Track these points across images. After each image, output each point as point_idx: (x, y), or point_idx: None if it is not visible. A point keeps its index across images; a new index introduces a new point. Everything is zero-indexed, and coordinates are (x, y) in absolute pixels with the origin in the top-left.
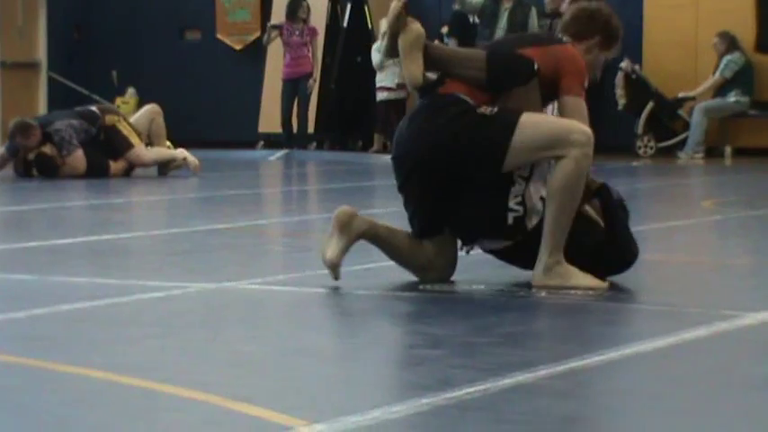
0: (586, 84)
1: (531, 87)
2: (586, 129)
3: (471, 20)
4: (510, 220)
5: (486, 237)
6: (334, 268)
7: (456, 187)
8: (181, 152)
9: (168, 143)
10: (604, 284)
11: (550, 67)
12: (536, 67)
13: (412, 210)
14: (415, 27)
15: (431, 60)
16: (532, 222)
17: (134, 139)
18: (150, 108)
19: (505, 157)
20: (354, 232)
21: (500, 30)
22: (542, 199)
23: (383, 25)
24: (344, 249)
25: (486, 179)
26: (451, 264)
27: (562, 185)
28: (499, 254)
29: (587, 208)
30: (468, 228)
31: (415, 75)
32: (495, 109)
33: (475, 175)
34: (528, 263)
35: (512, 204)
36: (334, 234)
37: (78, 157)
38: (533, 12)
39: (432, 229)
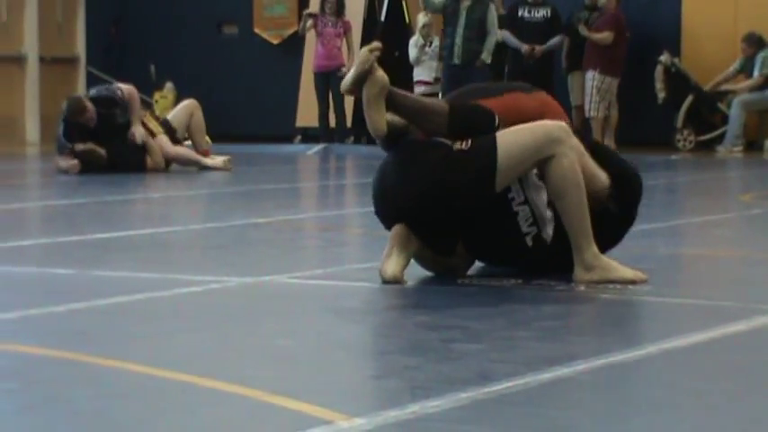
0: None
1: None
2: (559, 122)
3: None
4: (530, 243)
5: (511, 265)
6: (398, 284)
7: (456, 221)
8: (210, 161)
9: (207, 138)
10: (644, 276)
11: (537, 112)
12: (497, 122)
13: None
14: (380, 76)
15: (395, 106)
16: (549, 232)
17: (157, 129)
18: (188, 103)
19: (495, 180)
20: (412, 248)
21: (461, 27)
22: (549, 204)
23: (420, 20)
24: (405, 265)
25: (489, 216)
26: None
27: (565, 183)
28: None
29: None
30: (492, 261)
31: (378, 125)
32: (469, 141)
33: (471, 207)
34: (552, 266)
35: (525, 228)
36: (393, 252)
37: (131, 89)
38: (491, 7)
39: (451, 247)
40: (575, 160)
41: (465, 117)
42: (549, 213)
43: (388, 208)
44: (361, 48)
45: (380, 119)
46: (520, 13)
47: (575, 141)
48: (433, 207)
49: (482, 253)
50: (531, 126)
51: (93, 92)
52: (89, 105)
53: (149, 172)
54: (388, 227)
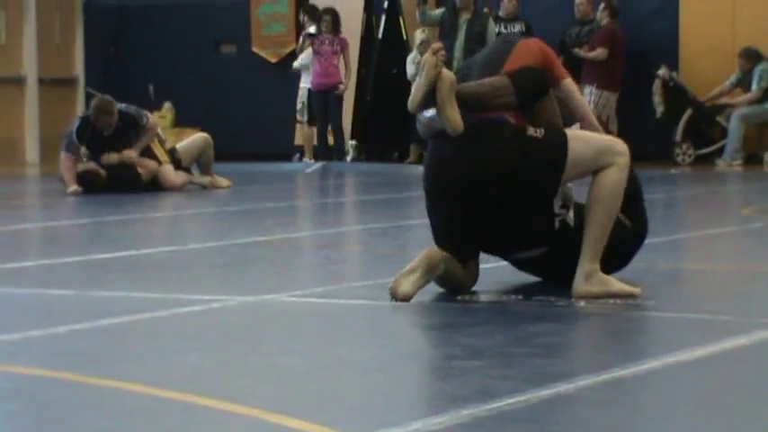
0: None
1: (550, 96)
2: (622, 141)
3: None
4: (557, 224)
5: (533, 247)
6: (405, 302)
7: (503, 207)
8: (209, 180)
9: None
10: (639, 291)
11: (540, 63)
12: (547, 75)
13: (452, 234)
14: (447, 74)
15: (464, 102)
16: (571, 218)
17: (164, 158)
18: (201, 140)
19: (561, 177)
20: (436, 274)
21: (459, 41)
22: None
23: (417, 37)
24: (420, 288)
25: (531, 196)
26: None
27: (609, 193)
28: (530, 263)
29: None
30: (515, 242)
31: (456, 122)
32: (542, 129)
33: (530, 194)
34: (556, 266)
35: (558, 209)
36: (417, 271)
37: (153, 123)
38: (490, 22)
39: (475, 250)
40: (624, 178)
41: (526, 82)
42: (573, 195)
43: (444, 179)
44: (358, 66)
45: (457, 116)
46: (497, 30)
47: (629, 160)
48: (494, 184)
49: (505, 239)
50: (599, 135)
51: (122, 105)
52: (116, 111)
53: (148, 191)
54: (434, 204)
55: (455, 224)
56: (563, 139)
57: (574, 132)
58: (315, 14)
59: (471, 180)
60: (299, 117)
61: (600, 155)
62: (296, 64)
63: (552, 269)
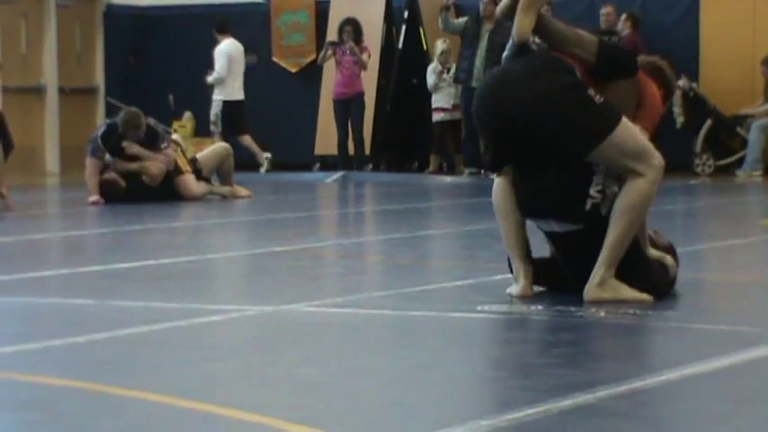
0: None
1: (631, 88)
2: (661, 157)
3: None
4: (588, 206)
5: (559, 218)
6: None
7: (538, 153)
8: (228, 190)
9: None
10: (650, 298)
11: (639, 92)
12: (639, 64)
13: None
14: None
15: (545, 30)
16: (605, 210)
17: (185, 168)
18: (221, 149)
19: (595, 149)
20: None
21: (481, 50)
22: (617, 187)
23: (438, 47)
24: (532, 283)
25: (570, 161)
26: None
27: (634, 205)
28: (560, 241)
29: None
30: (545, 204)
31: (525, 29)
32: (602, 99)
33: (558, 149)
34: (582, 254)
35: (593, 192)
36: (523, 277)
37: (171, 154)
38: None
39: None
40: (654, 194)
41: (611, 53)
42: (614, 189)
43: (507, 96)
44: (378, 77)
45: (529, 25)
46: None
47: (659, 178)
48: (538, 116)
49: (536, 195)
50: (647, 141)
51: (151, 120)
52: (143, 125)
53: (167, 200)
54: (483, 125)
55: (494, 139)
56: (615, 118)
57: (627, 123)
58: (223, 28)
59: (521, 103)
60: (213, 128)
61: (637, 155)
62: (210, 79)
63: (578, 257)
